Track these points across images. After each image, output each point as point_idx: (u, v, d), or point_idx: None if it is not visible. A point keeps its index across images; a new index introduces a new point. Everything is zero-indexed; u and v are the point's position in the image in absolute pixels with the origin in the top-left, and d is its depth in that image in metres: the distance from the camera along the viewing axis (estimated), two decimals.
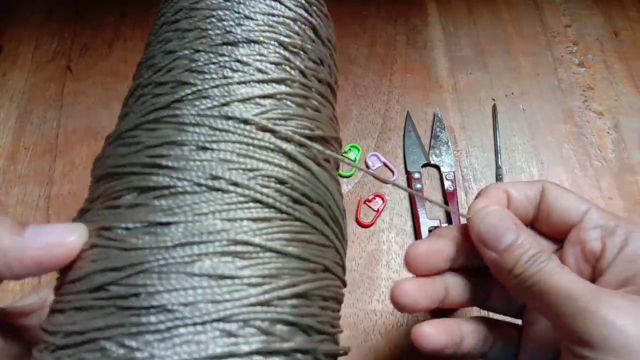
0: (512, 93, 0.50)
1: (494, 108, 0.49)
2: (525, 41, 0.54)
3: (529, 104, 0.50)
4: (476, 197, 0.28)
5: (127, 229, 0.19)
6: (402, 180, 0.45)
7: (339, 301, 0.23)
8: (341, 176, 0.45)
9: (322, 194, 0.22)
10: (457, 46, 0.53)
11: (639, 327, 0.20)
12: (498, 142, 0.47)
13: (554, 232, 0.27)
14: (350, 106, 0.49)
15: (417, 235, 0.42)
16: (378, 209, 0.43)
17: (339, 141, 0.26)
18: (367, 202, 0.44)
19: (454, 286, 0.29)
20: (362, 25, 0.54)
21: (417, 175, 0.45)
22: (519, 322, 0.29)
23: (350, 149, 0.46)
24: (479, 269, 0.27)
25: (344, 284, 0.23)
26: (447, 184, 0.44)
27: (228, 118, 0.20)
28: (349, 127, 0.48)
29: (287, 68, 0.22)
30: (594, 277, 0.25)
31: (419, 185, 0.44)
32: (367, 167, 0.46)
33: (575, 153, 0.47)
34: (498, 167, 0.46)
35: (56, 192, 0.45)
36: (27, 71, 0.51)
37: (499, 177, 0.45)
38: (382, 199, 0.44)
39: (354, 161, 0.46)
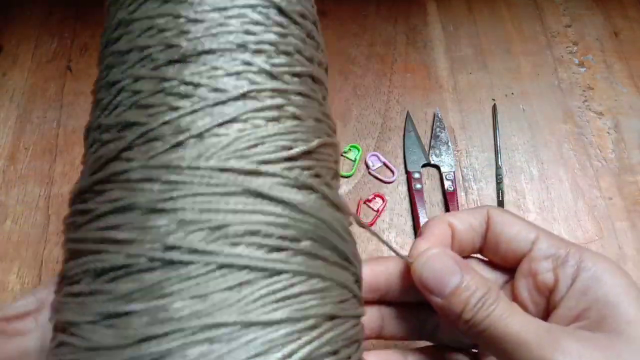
0: (512, 93, 0.50)
1: (494, 108, 0.49)
2: (525, 41, 0.54)
3: (529, 104, 0.50)
4: (418, 235, 0.27)
5: (88, 322, 0.16)
6: (402, 180, 0.45)
7: (357, 340, 0.20)
8: (341, 176, 0.45)
9: (311, 228, 0.18)
10: (457, 46, 0.53)
11: None
12: (498, 142, 0.47)
13: (504, 261, 0.26)
14: (350, 106, 0.49)
15: (417, 235, 0.42)
16: (378, 209, 0.43)
17: (332, 146, 0.22)
18: (367, 202, 0.44)
19: (391, 318, 0.27)
20: (362, 25, 0.54)
21: (417, 175, 0.45)
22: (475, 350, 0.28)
23: (350, 149, 0.46)
24: (421, 303, 0.26)
25: (361, 315, 0.21)
26: (447, 184, 0.44)
27: (179, 167, 0.17)
28: (349, 127, 0.48)
29: (250, 75, 0.18)
30: (548, 310, 0.25)
31: (418, 186, 0.44)
32: (367, 167, 0.46)
33: (575, 153, 0.47)
34: (498, 167, 0.46)
35: (56, 192, 0.45)
36: (27, 71, 0.51)
37: (499, 177, 0.45)
38: (382, 199, 0.44)
39: (354, 161, 0.46)
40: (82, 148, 0.51)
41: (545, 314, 0.24)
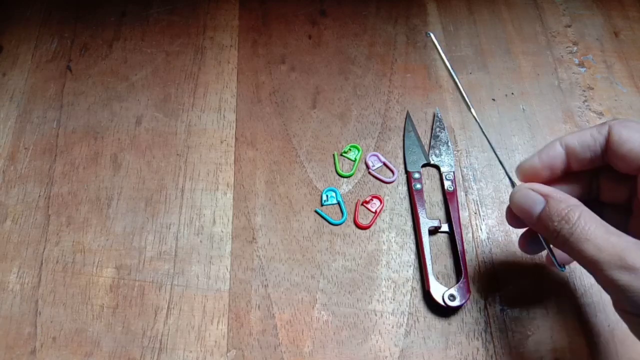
0: (512, 93, 0.50)
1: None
2: (525, 41, 0.54)
3: (529, 104, 0.50)
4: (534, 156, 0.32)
5: None
6: (402, 180, 0.45)
7: None
8: (341, 176, 0.45)
9: None
10: (457, 46, 0.53)
11: None
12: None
13: (631, 170, 0.30)
14: (350, 106, 0.49)
15: (417, 235, 0.42)
16: (375, 211, 0.43)
17: None
18: (364, 204, 0.44)
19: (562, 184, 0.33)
20: (362, 25, 0.54)
21: (417, 175, 0.45)
22: None
23: (350, 149, 0.46)
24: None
25: None
26: (447, 183, 0.44)
27: None
28: (349, 127, 0.48)
29: None
30: None
31: (418, 186, 0.44)
32: (367, 167, 0.46)
33: None
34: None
35: (56, 192, 0.45)
36: (27, 71, 0.51)
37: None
38: (380, 201, 0.44)
39: (354, 161, 0.46)
40: (82, 148, 0.51)
41: None
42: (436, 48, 0.32)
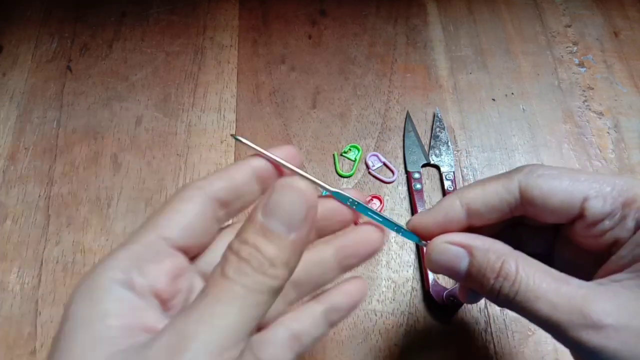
0: (512, 93, 0.50)
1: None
2: (525, 41, 0.54)
3: (529, 104, 0.50)
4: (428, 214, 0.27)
5: None
6: (402, 180, 0.45)
7: None
8: (341, 176, 0.45)
9: None
10: (457, 46, 0.53)
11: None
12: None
13: (550, 221, 0.26)
14: (350, 106, 0.49)
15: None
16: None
17: None
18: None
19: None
20: (362, 25, 0.54)
21: (417, 175, 0.45)
22: None
23: (350, 149, 0.46)
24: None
25: None
26: (447, 183, 0.44)
27: None
28: (349, 127, 0.48)
29: None
30: (601, 260, 0.24)
31: (418, 186, 0.44)
32: (367, 167, 0.46)
33: (575, 153, 0.47)
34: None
35: (56, 192, 0.45)
36: (27, 71, 0.51)
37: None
38: (380, 201, 0.44)
39: (354, 161, 0.46)
40: (82, 148, 0.51)
41: (597, 265, 0.24)
42: (248, 145, 0.25)
